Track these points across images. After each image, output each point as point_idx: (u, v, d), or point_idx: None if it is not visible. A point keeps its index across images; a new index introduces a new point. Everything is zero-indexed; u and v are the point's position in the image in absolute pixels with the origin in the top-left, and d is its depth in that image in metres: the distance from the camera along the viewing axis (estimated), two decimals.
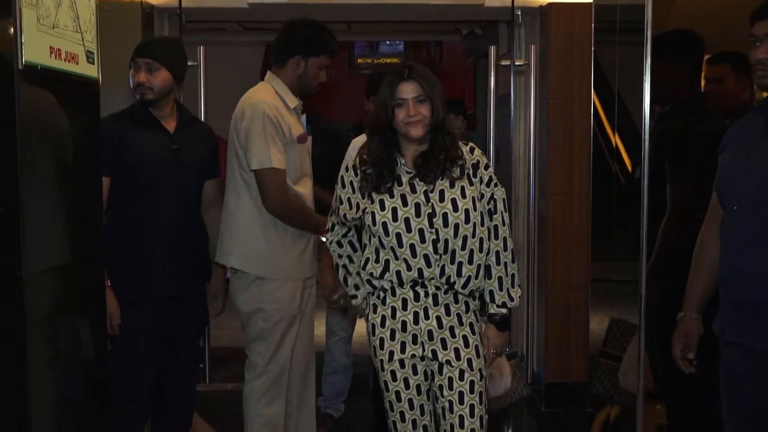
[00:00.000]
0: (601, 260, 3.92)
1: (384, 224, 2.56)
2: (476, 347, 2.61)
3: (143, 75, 3.11)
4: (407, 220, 2.55)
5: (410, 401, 2.63)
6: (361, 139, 3.45)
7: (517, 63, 4.69)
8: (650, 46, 2.96)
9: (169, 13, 4.71)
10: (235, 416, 4.14)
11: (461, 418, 2.56)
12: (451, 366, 2.57)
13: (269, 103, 3.16)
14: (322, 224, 3.18)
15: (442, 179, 2.58)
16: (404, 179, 2.59)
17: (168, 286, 3.15)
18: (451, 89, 8.58)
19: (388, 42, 9.59)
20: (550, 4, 4.54)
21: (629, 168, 3.48)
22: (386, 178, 2.58)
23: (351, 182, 2.67)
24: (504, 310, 2.65)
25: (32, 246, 2.18)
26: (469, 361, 2.58)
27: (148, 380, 3.21)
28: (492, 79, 4.58)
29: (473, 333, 2.62)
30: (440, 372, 2.59)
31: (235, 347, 5.39)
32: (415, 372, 2.63)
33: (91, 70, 2.59)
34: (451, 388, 2.57)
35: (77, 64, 2.48)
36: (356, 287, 2.76)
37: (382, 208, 2.56)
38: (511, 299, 2.65)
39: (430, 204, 2.55)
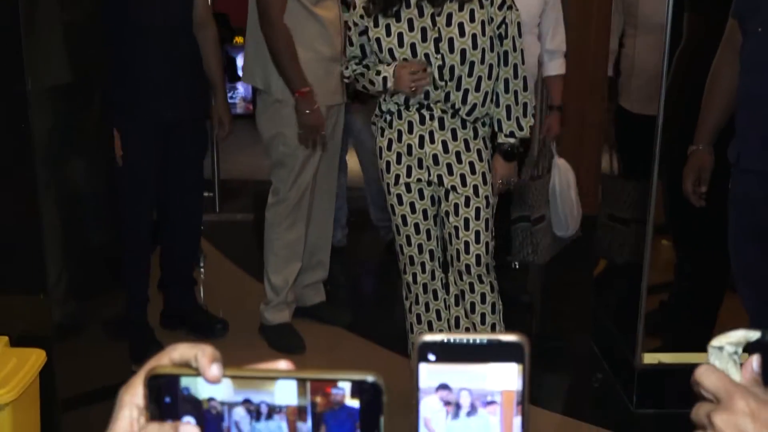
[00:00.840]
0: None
1: (390, 50, 2.48)
2: (483, 174, 2.56)
3: None
4: (413, 46, 2.45)
5: (416, 225, 2.64)
6: None
7: None
8: None
9: None
10: (245, 245, 4.25)
11: (467, 243, 2.57)
12: (457, 192, 2.55)
13: None
14: (298, 81, 3.03)
15: (451, 1, 2.43)
16: (412, 1, 2.47)
17: (165, 108, 3.06)
18: None
19: None
20: None
21: None
22: (393, 0, 2.46)
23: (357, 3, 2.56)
24: (512, 140, 2.56)
25: (34, 63, 2.14)
26: (475, 187, 2.55)
27: (151, 205, 3.21)
28: None
29: (481, 160, 2.56)
30: (446, 198, 2.58)
31: (245, 179, 5.47)
32: (421, 197, 2.62)
33: None
34: (456, 214, 2.57)
35: None
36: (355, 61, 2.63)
37: (388, 33, 2.48)
38: (521, 129, 2.55)
39: (436, 28, 2.43)
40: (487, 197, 2.57)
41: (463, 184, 2.55)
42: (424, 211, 2.63)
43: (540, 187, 3.33)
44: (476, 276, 2.60)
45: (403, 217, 2.64)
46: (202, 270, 4.08)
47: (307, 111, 3.06)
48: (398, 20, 2.47)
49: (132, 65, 2.97)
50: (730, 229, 2.41)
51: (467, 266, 2.59)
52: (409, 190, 2.61)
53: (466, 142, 2.55)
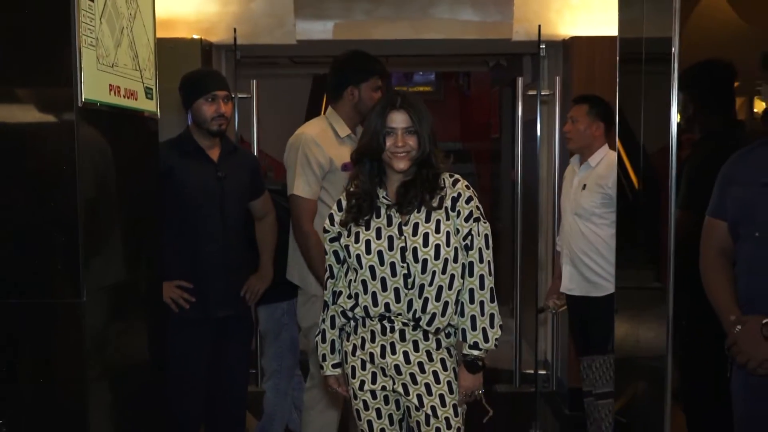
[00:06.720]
0: (624, 289, 3.55)
1: (358, 257, 2.28)
2: (449, 383, 2.30)
3: (223, 106, 2.95)
4: (380, 253, 2.26)
5: (382, 431, 2.37)
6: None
7: (542, 93, 4.50)
8: (677, 80, 2.64)
9: (225, 49, 4.60)
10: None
11: None
12: (422, 403, 2.29)
13: (308, 135, 3.07)
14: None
15: (418, 212, 2.27)
16: (383, 211, 2.31)
17: (220, 306, 2.99)
18: (479, 115, 8.38)
19: (421, 72, 9.44)
20: (572, 38, 4.37)
21: (635, 185, 3.11)
22: (365, 210, 2.31)
23: (332, 216, 2.40)
24: (476, 352, 2.29)
25: (90, 274, 2.04)
26: (441, 397, 2.28)
27: (201, 397, 3.03)
28: (519, 108, 4.40)
29: (445, 369, 2.31)
30: (417, 409, 2.30)
31: None
32: (386, 402, 2.36)
33: (150, 105, 2.44)
34: (428, 424, 2.28)
35: (136, 99, 2.33)
36: (332, 348, 2.40)
37: (357, 240, 2.29)
38: (486, 340, 2.27)
39: (402, 237, 2.25)
40: (454, 406, 2.31)
41: (429, 393, 2.29)
42: (390, 416, 2.36)
43: (604, 364, 3.09)
44: None
45: (369, 423, 2.36)
46: None
47: None
48: (367, 228, 2.29)
49: (190, 269, 2.94)
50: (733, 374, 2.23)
51: None
52: (374, 397, 2.35)
53: (428, 353, 2.30)
